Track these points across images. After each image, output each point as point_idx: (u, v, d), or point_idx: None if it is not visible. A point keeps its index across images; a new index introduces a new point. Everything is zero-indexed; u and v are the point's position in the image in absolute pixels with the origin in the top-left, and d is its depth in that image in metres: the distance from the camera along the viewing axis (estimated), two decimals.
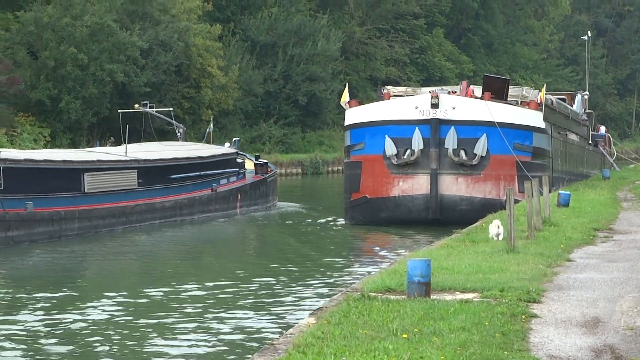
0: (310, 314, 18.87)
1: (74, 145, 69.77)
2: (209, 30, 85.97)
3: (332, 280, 29.37)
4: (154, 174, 49.54)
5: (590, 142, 70.68)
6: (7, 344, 21.05)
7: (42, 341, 21.41)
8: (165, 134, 62.89)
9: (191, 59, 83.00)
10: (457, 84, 55.27)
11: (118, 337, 21.54)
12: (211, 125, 66.96)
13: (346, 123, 47.05)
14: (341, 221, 46.84)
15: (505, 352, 14.11)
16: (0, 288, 29.44)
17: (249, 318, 23.88)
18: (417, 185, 44.17)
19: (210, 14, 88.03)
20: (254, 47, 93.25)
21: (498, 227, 27.06)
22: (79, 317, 24.19)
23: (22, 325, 23.39)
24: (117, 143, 61.37)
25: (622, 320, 16.79)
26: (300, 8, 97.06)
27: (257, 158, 61.51)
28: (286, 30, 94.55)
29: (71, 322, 23.50)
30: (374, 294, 18.86)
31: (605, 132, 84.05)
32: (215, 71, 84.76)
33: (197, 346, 20.67)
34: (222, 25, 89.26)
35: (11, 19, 79.55)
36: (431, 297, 18.21)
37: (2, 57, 73.54)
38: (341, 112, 50.66)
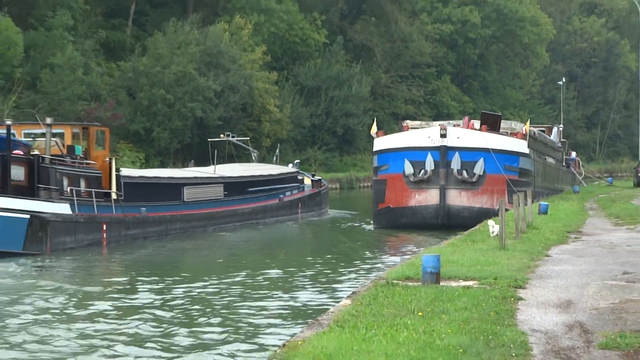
0: (347, 297, 19.15)
1: (163, 166, 70.07)
2: (267, 77, 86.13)
3: (365, 269, 29.68)
4: (235, 187, 50.43)
5: (563, 164, 70.60)
6: (128, 315, 21.85)
7: (155, 312, 22.22)
8: (235, 158, 63.55)
9: (254, 99, 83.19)
10: (461, 119, 55.24)
11: (211, 307, 22.59)
12: (277, 151, 68.04)
13: (374, 149, 47.27)
14: (371, 225, 46.97)
15: (498, 327, 14.29)
16: (122, 273, 30.71)
17: (303, 296, 24.40)
18: (429, 197, 44.32)
19: (269, 64, 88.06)
20: (303, 90, 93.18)
21: (492, 226, 27.27)
22: (182, 294, 25.15)
23: (139, 300, 24.36)
24: (196, 164, 62.08)
25: (589, 302, 17.00)
26: (338, 59, 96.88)
27: (313, 176, 62.45)
28: (328, 76, 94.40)
29: (176, 298, 24.47)
30: (396, 281, 19.08)
31: (576, 156, 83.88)
32: (273, 108, 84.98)
33: (264, 317, 21.12)
34: (278, 73, 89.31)
35: (114, 68, 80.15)
36: (440, 283, 18.46)
37: (108, 98, 74.24)
38: (370, 140, 50.97)
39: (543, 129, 67.87)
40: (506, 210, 28.42)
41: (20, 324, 20.48)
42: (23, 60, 69.75)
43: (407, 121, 56.48)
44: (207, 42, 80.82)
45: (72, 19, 76.86)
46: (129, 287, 27.08)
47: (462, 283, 18.82)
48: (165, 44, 79.27)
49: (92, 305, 23.45)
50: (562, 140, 75.79)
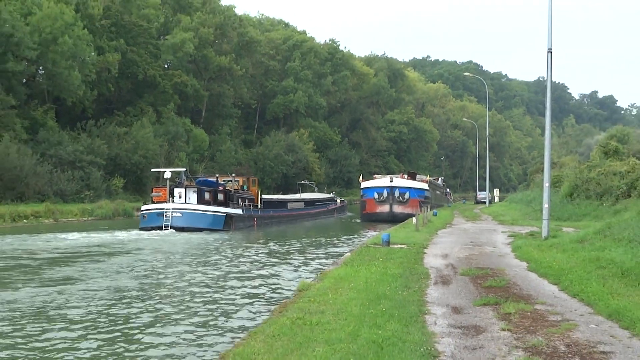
0: (350, 252, 19.14)
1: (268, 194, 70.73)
2: (314, 156, 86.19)
3: (357, 239, 29.20)
4: (308, 203, 50.39)
5: (444, 194, 70.31)
6: (265, 252, 22.55)
7: (275, 251, 22.80)
8: (306, 190, 64.19)
9: (309, 165, 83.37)
10: (398, 174, 55.26)
11: (295, 251, 21.96)
12: (325, 187, 69.13)
13: (361, 187, 47.17)
14: (359, 220, 46.64)
15: (415, 265, 14.24)
16: (262, 238, 30.43)
17: (332, 249, 24.02)
18: (385, 208, 44.02)
19: (314, 149, 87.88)
20: (330, 161, 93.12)
21: (414, 220, 27.15)
22: (286, 244, 25.87)
23: (269, 247, 24.79)
24: (284, 193, 62.47)
25: (455, 255, 16.88)
26: (345, 148, 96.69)
27: (340, 198, 62.46)
28: (340, 156, 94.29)
29: (284, 246, 24.96)
30: (370, 245, 18.97)
31: (449, 190, 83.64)
32: (317, 169, 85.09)
33: (315, 258, 20.69)
34: (318, 154, 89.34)
35: (248, 151, 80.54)
36: (390, 246, 18.27)
37: (244, 164, 74.63)
38: (358, 183, 50.89)
39: (434, 178, 67.73)
40: (418, 213, 28.42)
41: (225, 256, 21.34)
42: (208, 148, 70.50)
43: (375, 175, 56.58)
44: (288, 140, 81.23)
45: (229, 129, 77.75)
46: (265, 243, 27.36)
47: (399, 246, 18.65)
48: (270, 141, 79.70)
49: (251, 249, 24.13)
50: (443, 183, 75.79)
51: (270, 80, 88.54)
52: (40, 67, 53.72)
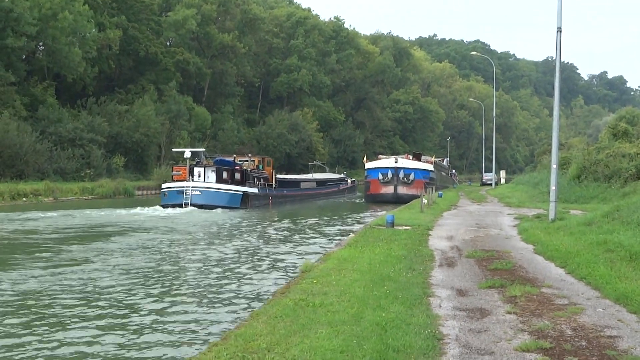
0: (352, 232, 19.18)
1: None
2: (318, 135, 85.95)
3: (361, 220, 29.17)
4: (320, 182, 51.74)
5: (449, 175, 70.13)
6: (280, 227, 24.07)
7: (289, 227, 24.09)
8: (317, 170, 64.33)
9: (312, 145, 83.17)
10: (403, 155, 55.05)
11: (304, 228, 22.18)
12: (336, 168, 69.47)
13: (365, 168, 46.99)
14: (363, 201, 46.62)
15: (420, 247, 14.20)
16: (277, 215, 31.68)
17: (334, 230, 23.94)
18: (389, 189, 43.96)
19: (319, 129, 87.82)
20: (334, 141, 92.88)
21: (423, 200, 27.10)
22: (298, 221, 26.96)
23: (282, 223, 25.93)
24: (288, 173, 62.67)
25: (460, 237, 16.83)
26: (349, 127, 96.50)
27: (351, 179, 63.35)
28: (345, 135, 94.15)
29: (297, 223, 25.85)
30: (374, 226, 18.93)
31: (454, 172, 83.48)
32: (321, 149, 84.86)
33: (319, 236, 20.80)
34: (322, 133, 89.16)
35: (251, 130, 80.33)
36: (394, 227, 18.25)
37: (247, 143, 74.41)
38: (362, 164, 50.89)
39: (440, 159, 67.45)
40: (423, 195, 28.37)
41: (242, 229, 21.62)
42: (210, 127, 70.30)
43: (380, 156, 56.26)
44: (292, 119, 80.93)
45: (232, 108, 77.46)
46: (280, 219, 28.24)
47: (404, 227, 18.59)
48: (273, 120, 79.47)
49: (267, 224, 25.23)
50: (448, 164, 75.63)
51: (274, 59, 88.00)
52: (40, 43, 53.48)
